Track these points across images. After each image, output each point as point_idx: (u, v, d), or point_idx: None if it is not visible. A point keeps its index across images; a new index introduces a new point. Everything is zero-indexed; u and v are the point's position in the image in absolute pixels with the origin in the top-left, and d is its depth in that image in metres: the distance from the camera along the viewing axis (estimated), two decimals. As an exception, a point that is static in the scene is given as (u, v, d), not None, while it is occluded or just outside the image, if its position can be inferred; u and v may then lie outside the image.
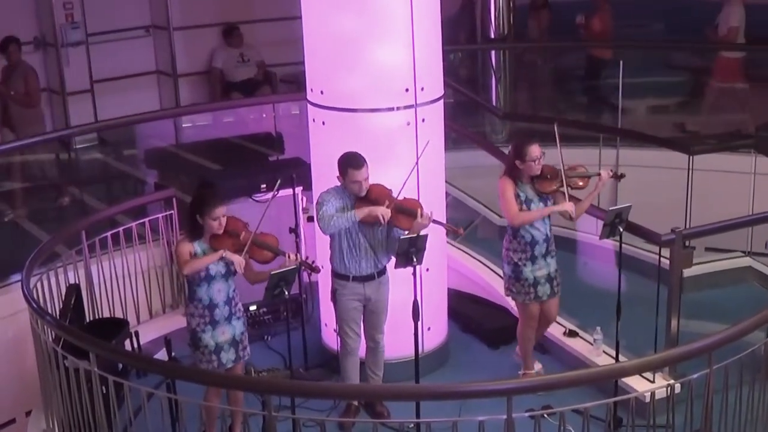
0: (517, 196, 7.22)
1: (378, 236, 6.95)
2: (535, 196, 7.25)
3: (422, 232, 6.67)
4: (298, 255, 6.69)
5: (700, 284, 8.66)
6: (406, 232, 6.75)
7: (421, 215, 6.78)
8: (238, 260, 6.44)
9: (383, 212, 6.76)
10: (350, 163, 6.78)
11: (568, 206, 7.17)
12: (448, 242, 8.39)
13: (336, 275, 7.06)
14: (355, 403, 7.27)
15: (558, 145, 7.26)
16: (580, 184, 7.30)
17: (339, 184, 6.90)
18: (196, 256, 6.48)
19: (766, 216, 8.29)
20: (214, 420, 6.64)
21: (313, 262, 6.89)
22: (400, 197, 6.88)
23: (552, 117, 11.94)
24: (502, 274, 7.72)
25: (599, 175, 7.26)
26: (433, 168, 7.59)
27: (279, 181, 6.97)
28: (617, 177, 7.37)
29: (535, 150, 7.14)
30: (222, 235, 6.51)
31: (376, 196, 6.86)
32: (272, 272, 6.35)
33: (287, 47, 12.16)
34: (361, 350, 7.26)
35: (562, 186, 7.20)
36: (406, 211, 6.82)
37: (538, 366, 7.69)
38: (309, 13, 7.48)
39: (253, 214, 6.69)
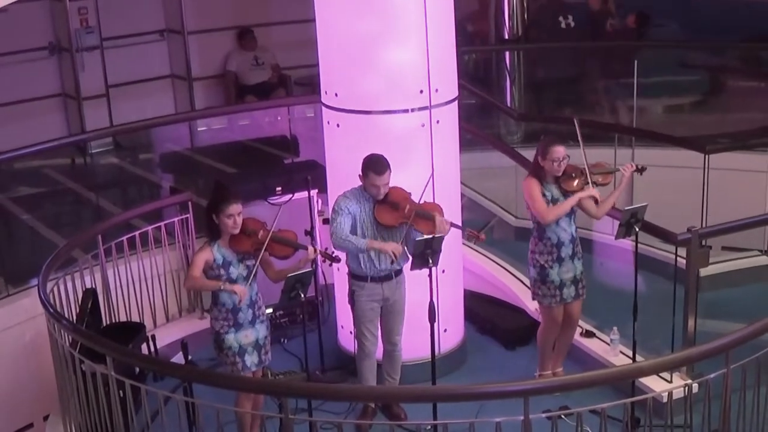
0: (543, 195, 7.21)
1: (397, 238, 6.94)
2: (561, 196, 7.24)
3: (438, 234, 6.67)
4: (317, 248, 6.71)
5: (716, 283, 8.64)
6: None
7: (440, 222, 6.79)
8: (241, 291, 6.47)
9: (394, 249, 6.79)
10: (372, 167, 6.79)
11: (594, 192, 7.18)
12: (464, 244, 8.38)
13: (353, 276, 7.05)
14: (372, 405, 7.27)
15: (581, 142, 7.26)
16: (603, 180, 7.32)
17: (360, 183, 6.91)
18: (215, 263, 6.51)
19: (782, 214, 8.27)
20: (247, 425, 6.66)
21: (332, 253, 6.90)
22: (421, 201, 6.88)
23: (567, 117, 11.98)
24: (524, 278, 7.71)
25: (621, 170, 7.30)
26: (448, 170, 7.58)
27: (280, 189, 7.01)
28: (639, 171, 7.34)
29: (558, 151, 7.11)
30: (240, 235, 6.54)
31: (394, 199, 6.86)
32: (288, 275, 6.37)
33: (301, 50, 12.20)
34: (378, 353, 7.26)
35: (587, 183, 7.21)
36: (427, 215, 6.82)
37: (557, 370, 7.70)
38: (322, 15, 7.49)
39: (268, 217, 6.70)
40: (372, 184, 6.80)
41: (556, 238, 7.25)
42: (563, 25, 13.21)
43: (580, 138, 7.28)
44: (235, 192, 6.69)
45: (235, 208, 6.47)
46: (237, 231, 6.52)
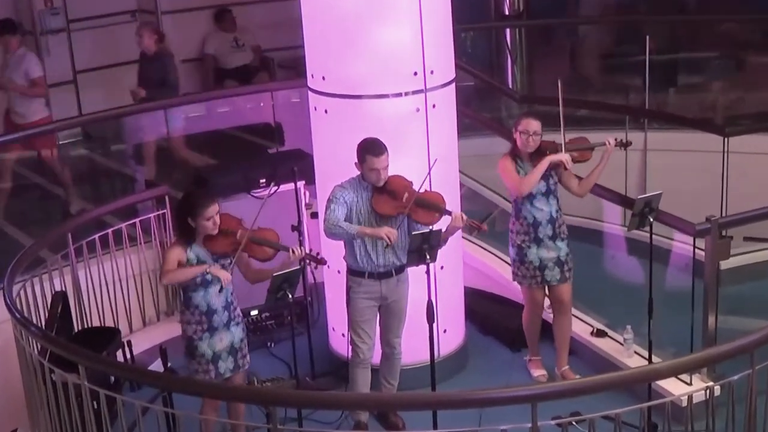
0: (518, 173, 7.41)
1: (397, 230, 6.93)
2: None
3: (435, 227, 6.66)
4: (302, 248, 6.69)
5: (738, 277, 8.67)
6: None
7: (457, 217, 6.83)
8: (225, 276, 6.45)
9: (388, 232, 6.75)
10: (369, 149, 6.79)
11: (563, 156, 7.34)
12: (463, 237, 8.39)
13: (350, 272, 7.04)
14: (365, 420, 7.24)
15: (560, 108, 7.41)
16: (580, 156, 7.47)
17: (357, 172, 6.91)
18: (188, 263, 6.49)
19: (808, 201, 8.25)
20: None
21: (318, 254, 6.87)
22: (421, 191, 6.88)
23: (575, 99, 12.01)
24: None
25: (604, 144, 7.41)
26: (445, 157, 7.57)
27: (273, 184, 7.02)
28: (623, 145, 7.53)
29: (528, 123, 7.35)
30: (216, 236, 6.51)
31: (394, 187, 6.86)
32: (275, 274, 6.35)
33: (285, 30, 12.19)
34: (375, 356, 7.24)
35: None
36: (427, 205, 6.83)
37: (539, 372, 7.84)
38: (308, -8, 7.48)
39: (251, 212, 6.68)
40: (370, 168, 6.79)
41: (532, 217, 7.44)
42: None
43: (561, 102, 7.41)
44: (210, 191, 6.65)
45: (214, 209, 6.46)
46: (216, 231, 6.50)
